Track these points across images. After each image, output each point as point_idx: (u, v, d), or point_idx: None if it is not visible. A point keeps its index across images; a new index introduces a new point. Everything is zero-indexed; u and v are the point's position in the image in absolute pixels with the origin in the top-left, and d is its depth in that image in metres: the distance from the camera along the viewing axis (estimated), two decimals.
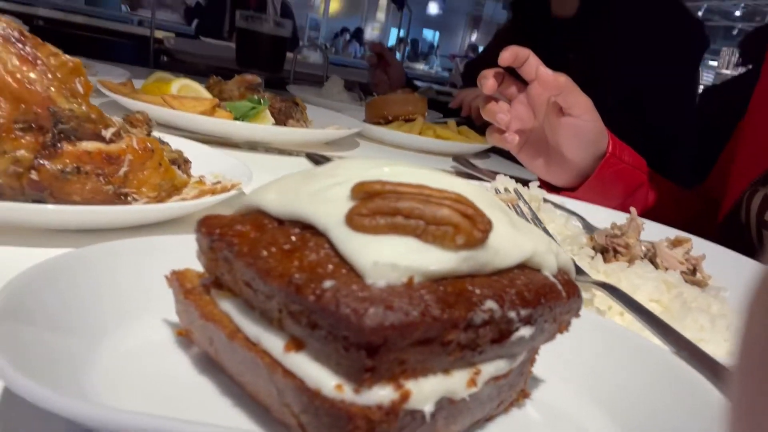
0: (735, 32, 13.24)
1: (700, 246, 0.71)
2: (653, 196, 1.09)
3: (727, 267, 0.69)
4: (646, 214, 0.97)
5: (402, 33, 5.15)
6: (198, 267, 0.36)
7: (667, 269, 0.60)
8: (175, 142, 0.75)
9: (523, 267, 0.32)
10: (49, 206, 0.50)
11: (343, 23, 13.05)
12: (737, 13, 12.83)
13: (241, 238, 0.31)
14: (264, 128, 1.02)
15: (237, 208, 0.36)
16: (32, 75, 0.52)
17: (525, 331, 0.30)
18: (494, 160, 1.48)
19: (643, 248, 0.62)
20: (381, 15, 14.75)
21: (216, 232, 0.32)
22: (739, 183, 0.98)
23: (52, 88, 0.52)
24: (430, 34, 14.99)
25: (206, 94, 1.06)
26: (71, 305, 0.34)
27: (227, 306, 0.32)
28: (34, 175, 0.52)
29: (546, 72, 0.92)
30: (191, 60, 2.75)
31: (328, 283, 0.26)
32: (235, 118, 1.02)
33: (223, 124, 0.97)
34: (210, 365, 0.35)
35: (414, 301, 0.26)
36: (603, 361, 0.40)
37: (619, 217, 0.89)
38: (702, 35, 1.48)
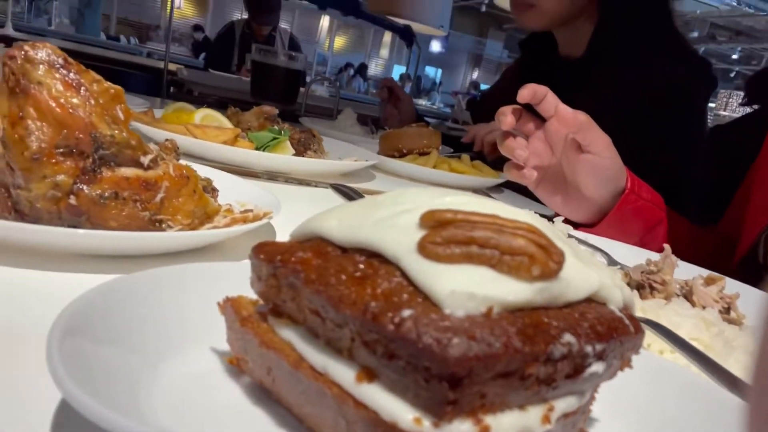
0: (733, 75, 13.47)
1: (728, 285, 0.71)
2: (671, 233, 1.08)
3: (757, 306, 0.69)
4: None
5: (407, 69, 5.25)
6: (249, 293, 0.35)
7: (704, 307, 0.60)
8: (200, 171, 0.75)
9: (590, 301, 0.31)
10: (91, 231, 0.50)
11: (347, 59, 13.28)
12: (734, 57, 13.09)
13: (306, 265, 0.30)
14: (285, 158, 1.02)
15: (293, 236, 0.35)
16: (75, 101, 0.52)
17: (597, 367, 0.29)
18: (508, 195, 1.49)
19: (678, 285, 0.62)
20: (384, 52, 15.03)
21: (277, 259, 0.32)
22: (756, 223, 0.98)
23: (94, 115, 0.53)
24: (432, 71, 15.25)
25: (228, 124, 1.07)
26: (131, 327, 0.33)
27: (288, 334, 0.31)
28: (72, 200, 0.52)
29: (566, 110, 0.94)
30: (202, 91, 2.79)
31: (406, 312, 0.25)
32: (257, 148, 1.03)
33: (245, 154, 0.97)
34: (264, 396, 0.34)
35: (495, 332, 0.25)
36: (655, 398, 0.39)
37: (641, 254, 0.89)
38: (710, 75, 1.49)
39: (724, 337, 0.53)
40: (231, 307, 0.35)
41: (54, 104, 0.51)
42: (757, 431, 0.15)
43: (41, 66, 0.52)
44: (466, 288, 0.26)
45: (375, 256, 0.30)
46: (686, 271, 0.73)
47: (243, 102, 1.80)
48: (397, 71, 14.76)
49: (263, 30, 4.60)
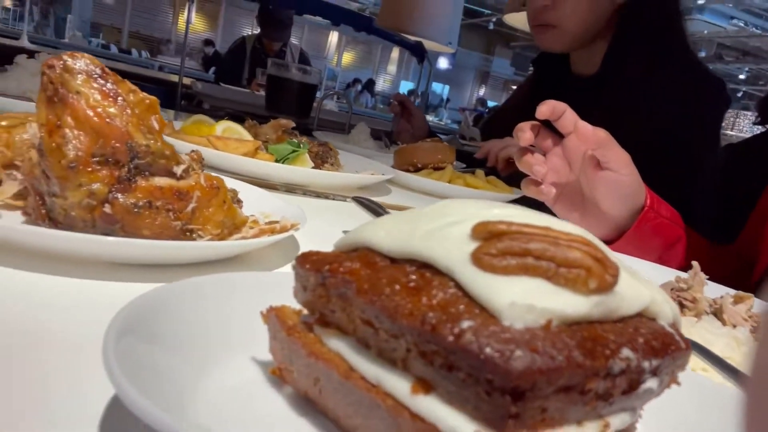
0: (740, 95, 13.49)
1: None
2: (690, 251, 1.08)
3: None
4: (683, 269, 0.96)
5: (415, 85, 5.27)
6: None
7: (734, 326, 0.59)
8: (225, 182, 0.75)
9: (641, 316, 0.31)
10: (127, 239, 0.50)
11: (355, 74, 13.38)
12: (741, 77, 13.12)
13: (356, 275, 0.30)
14: (304, 171, 1.02)
15: (337, 246, 0.35)
16: (112, 110, 0.53)
17: (651, 383, 0.29)
18: None
19: (707, 303, 0.61)
20: (392, 68, 15.14)
21: (326, 269, 0.32)
22: None
23: (131, 124, 0.53)
24: (439, 88, 15.35)
25: (248, 137, 1.08)
26: (177, 335, 0.33)
27: (337, 344, 0.31)
28: (107, 209, 0.52)
29: (585, 126, 0.94)
30: (214, 104, 2.82)
31: (465, 323, 0.25)
32: (276, 160, 1.03)
33: (265, 166, 0.98)
34: (308, 407, 0.33)
35: (557, 345, 0.25)
36: (697, 415, 0.39)
37: (661, 271, 0.89)
38: (724, 93, 1.49)
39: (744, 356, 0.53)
40: (275, 316, 0.35)
41: (92, 113, 0.52)
42: (756, 424, 0.16)
43: (79, 76, 0.52)
44: (525, 300, 0.26)
45: (426, 267, 0.30)
46: (711, 290, 0.72)
47: (255, 116, 1.81)
48: (405, 87, 14.85)
49: (274, 45, 4.65)
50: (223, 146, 0.97)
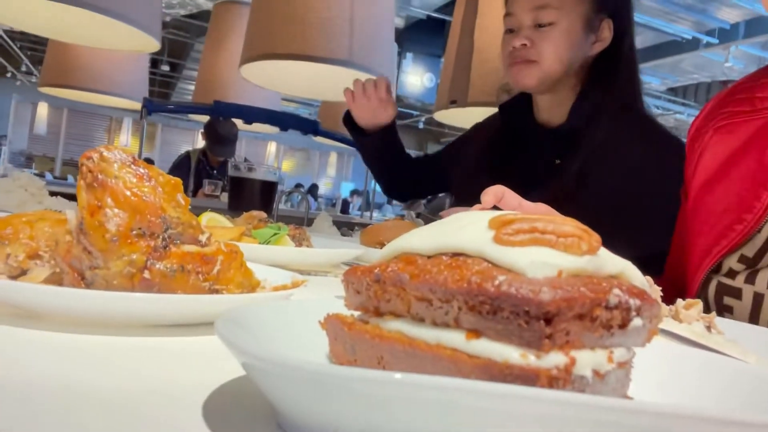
0: None
1: None
2: None
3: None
4: None
5: (356, 185, 5.50)
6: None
7: (690, 324, 0.70)
8: None
9: (619, 276, 0.41)
10: (170, 295, 0.56)
11: (297, 180, 13.70)
12: None
13: (403, 269, 0.39)
14: (288, 250, 1.10)
15: (377, 260, 0.44)
16: (146, 189, 0.61)
17: (638, 321, 0.38)
18: None
19: (665, 309, 0.72)
20: (332, 170, 15.60)
21: (376, 271, 0.40)
22: (699, 267, 1.10)
23: (163, 200, 0.61)
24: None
25: (230, 224, 1.15)
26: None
27: (395, 325, 0.39)
28: (146, 274, 0.58)
29: (528, 205, 1.03)
30: None
31: (501, 278, 0.34)
32: (260, 243, 1.11)
33: (252, 249, 1.05)
34: None
35: (569, 284, 0.34)
36: (676, 375, 0.48)
37: None
38: (682, 151, 1.57)
39: (714, 341, 0.63)
40: (335, 319, 0.42)
41: (129, 193, 0.59)
42: None
43: (115, 164, 0.61)
44: (540, 258, 0.35)
45: (458, 255, 0.39)
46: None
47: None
48: (346, 188, 15.28)
49: (219, 158, 4.81)
50: (212, 233, 1.04)
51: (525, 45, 1.49)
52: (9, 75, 13.11)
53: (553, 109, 1.60)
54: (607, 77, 1.51)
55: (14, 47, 11.17)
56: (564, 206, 1.02)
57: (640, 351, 0.43)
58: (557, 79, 1.52)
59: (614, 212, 1.30)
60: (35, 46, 11.61)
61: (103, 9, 1.72)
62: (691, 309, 0.75)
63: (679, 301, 0.75)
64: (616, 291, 0.36)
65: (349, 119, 1.93)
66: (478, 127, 1.94)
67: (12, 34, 10.71)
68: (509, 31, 1.55)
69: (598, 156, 1.44)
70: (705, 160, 1.17)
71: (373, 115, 1.88)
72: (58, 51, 3.53)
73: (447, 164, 1.95)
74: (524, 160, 1.63)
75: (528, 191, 1.29)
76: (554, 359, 0.33)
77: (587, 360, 0.34)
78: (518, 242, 0.37)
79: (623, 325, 0.37)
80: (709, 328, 0.75)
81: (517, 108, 1.68)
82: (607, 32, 1.52)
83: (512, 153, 1.67)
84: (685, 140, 1.34)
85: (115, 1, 1.75)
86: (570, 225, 0.38)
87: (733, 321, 0.85)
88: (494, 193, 1.01)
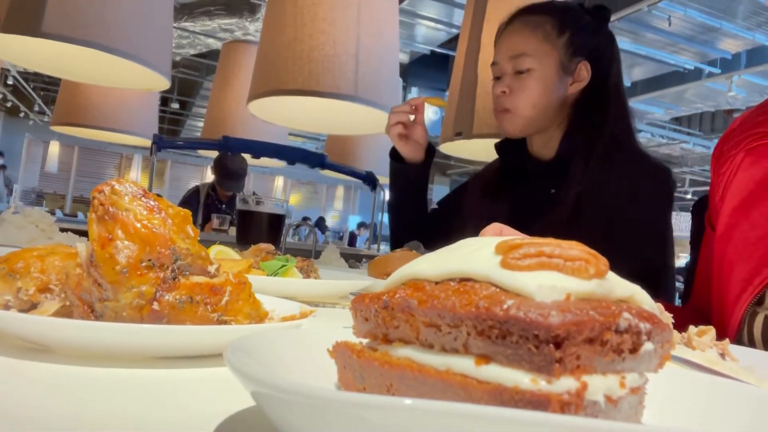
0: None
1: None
2: None
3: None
4: None
5: (363, 218, 5.53)
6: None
7: (703, 350, 0.69)
8: None
9: (629, 300, 0.40)
10: (176, 327, 0.57)
11: (304, 213, 13.77)
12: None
13: (411, 295, 0.39)
14: (295, 281, 1.10)
15: (384, 287, 0.44)
16: (156, 221, 0.61)
17: (649, 346, 0.38)
18: None
19: (678, 336, 0.71)
20: (339, 203, 15.66)
21: (384, 297, 0.40)
22: (739, 301, 1.03)
23: (172, 232, 0.62)
24: (387, 218, 15.85)
25: (238, 257, 1.16)
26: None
27: (404, 352, 0.39)
28: (156, 306, 0.59)
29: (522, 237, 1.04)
30: None
31: (509, 302, 0.34)
32: (268, 275, 1.11)
33: (261, 280, 1.05)
34: None
35: (578, 308, 0.34)
36: (692, 402, 0.47)
37: None
38: (670, 179, 1.56)
39: (729, 368, 0.62)
40: (344, 347, 0.42)
41: (139, 225, 0.60)
42: None
43: (126, 196, 0.62)
44: (548, 282, 0.35)
45: (465, 281, 0.39)
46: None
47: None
48: (353, 221, 15.32)
49: (228, 193, 4.85)
50: (223, 265, 1.05)
51: (504, 92, 1.58)
52: (22, 115, 13.40)
53: (543, 146, 1.66)
54: (592, 114, 1.55)
55: (27, 87, 11.45)
56: (561, 233, 1.02)
57: (653, 377, 0.42)
58: (538, 122, 1.58)
59: (608, 235, 1.33)
60: (48, 87, 11.89)
61: (116, 50, 1.77)
62: (704, 336, 0.74)
63: (692, 327, 0.74)
64: (626, 315, 0.36)
65: (394, 152, 1.92)
66: (475, 176, 1.99)
67: (26, 75, 10.98)
68: (496, 79, 1.64)
69: (591, 185, 1.48)
70: (738, 182, 1.11)
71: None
72: (71, 90, 3.61)
73: (448, 216, 1.98)
74: (522, 192, 1.69)
75: (526, 220, 1.32)
76: (565, 384, 0.33)
77: (599, 385, 0.34)
78: (526, 266, 0.37)
79: (634, 350, 0.37)
80: (723, 355, 0.73)
81: (512, 144, 1.75)
82: (584, 73, 1.57)
83: (510, 186, 1.74)
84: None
85: (128, 42, 1.80)
86: (577, 249, 0.38)
87: (747, 348, 0.84)
88: (493, 230, 1.02)
